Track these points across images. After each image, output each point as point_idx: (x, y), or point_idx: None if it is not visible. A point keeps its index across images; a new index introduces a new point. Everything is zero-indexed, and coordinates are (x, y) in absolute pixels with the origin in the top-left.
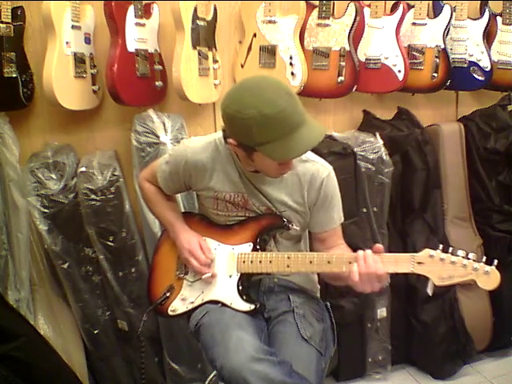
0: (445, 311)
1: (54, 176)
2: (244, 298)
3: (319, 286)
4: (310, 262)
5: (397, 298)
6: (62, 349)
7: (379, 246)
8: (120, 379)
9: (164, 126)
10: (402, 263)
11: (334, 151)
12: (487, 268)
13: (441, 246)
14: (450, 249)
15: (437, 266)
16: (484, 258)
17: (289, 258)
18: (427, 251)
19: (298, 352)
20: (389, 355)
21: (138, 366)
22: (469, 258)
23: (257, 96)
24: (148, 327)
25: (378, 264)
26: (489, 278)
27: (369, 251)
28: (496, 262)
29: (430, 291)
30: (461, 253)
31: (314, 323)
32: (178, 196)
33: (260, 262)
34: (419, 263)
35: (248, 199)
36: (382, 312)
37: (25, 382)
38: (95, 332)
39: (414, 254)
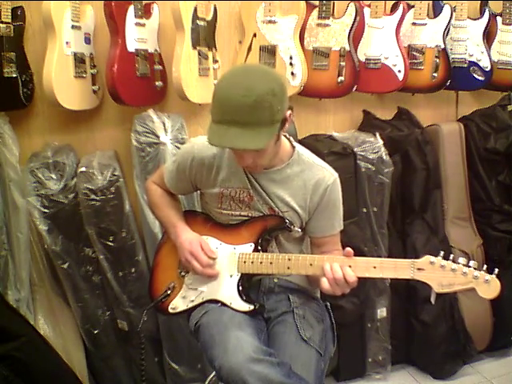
0: (445, 311)
1: (54, 176)
2: (244, 298)
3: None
4: (311, 265)
5: (397, 298)
6: (62, 349)
7: (349, 249)
8: (120, 379)
9: (164, 125)
10: (401, 269)
11: (334, 151)
12: (487, 277)
13: (442, 253)
14: (451, 256)
15: (437, 273)
16: (485, 267)
17: (289, 259)
18: (428, 258)
19: (298, 353)
20: (389, 355)
21: (138, 366)
22: (469, 266)
23: (234, 76)
24: (148, 327)
25: (346, 271)
26: (489, 286)
27: (338, 259)
28: (497, 270)
29: (432, 300)
30: (462, 260)
31: (314, 324)
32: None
33: (261, 262)
34: (419, 269)
35: (253, 196)
36: (382, 312)
37: (25, 382)
38: (95, 332)
39: (415, 260)
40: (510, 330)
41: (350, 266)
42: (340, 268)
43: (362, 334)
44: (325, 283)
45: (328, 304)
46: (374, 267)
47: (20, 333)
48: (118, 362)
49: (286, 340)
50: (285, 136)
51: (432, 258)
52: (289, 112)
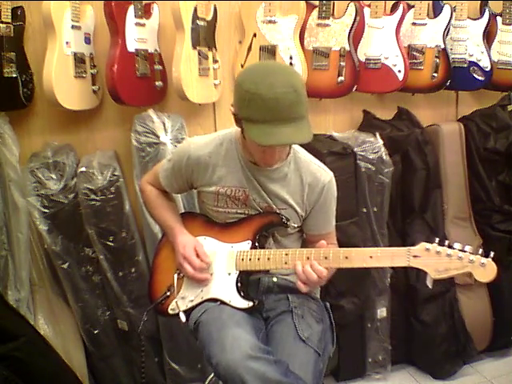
0: (445, 311)
1: (54, 176)
2: (242, 295)
3: (319, 287)
4: (307, 258)
5: (397, 298)
6: (62, 349)
7: (323, 242)
8: (120, 379)
9: (164, 126)
10: (398, 257)
11: (334, 151)
12: (483, 260)
13: (437, 240)
14: (446, 242)
15: (433, 259)
16: (480, 251)
17: (286, 254)
18: (423, 245)
19: (295, 352)
20: (389, 355)
21: (138, 366)
22: (465, 251)
23: (263, 75)
24: (148, 327)
25: (311, 275)
26: (485, 270)
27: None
28: (492, 254)
29: (429, 284)
30: (457, 245)
31: (313, 324)
32: (178, 196)
33: (258, 259)
34: (415, 256)
35: (249, 194)
36: (381, 312)
37: (25, 382)
38: (95, 332)
39: (411, 248)
40: (510, 330)
41: (346, 258)
42: (310, 268)
43: (362, 334)
44: (300, 285)
45: (328, 304)
46: (371, 257)
47: (20, 333)
48: (117, 362)
49: (284, 339)
50: None
51: (427, 245)
52: None
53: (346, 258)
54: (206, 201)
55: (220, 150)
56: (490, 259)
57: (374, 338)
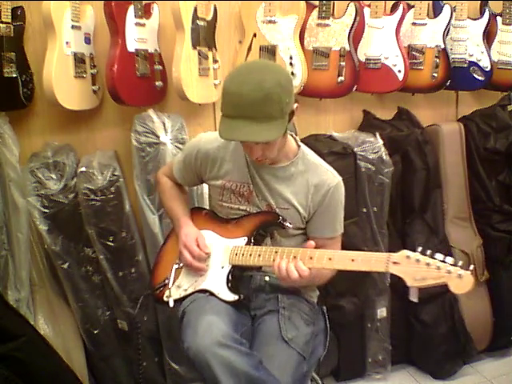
0: (445, 311)
1: (54, 176)
2: (230, 287)
3: (318, 292)
4: (294, 257)
5: (397, 298)
6: (62, 349)
7: (311, 242)
8: (120, 379)
9: (164, 125)
10: (377, 262)
11: (334, 151)
12: (461, 272)
13: (420, 249)
14: (428, 251)
15: (412, 267)
16: (460, 263)
17: (276, 252)
18: (404, 252)
19: (276, 352)
20: (389, 355)
21: (136, 362)
22: (445, 262)
23: (239, 74)
24: (148, 327)
25: (292, 273)
26: (461, 281)
27: (291, 264)
28: (472, 267)
29: (412, 298)
30: (438, 256)
31: (301, 326)
32: None
33: (250, 255)
34: (395, 263)
35: (253, 191)
36: (381, 312)
37: (25, 382)
38: (95, 332)
39: (391, 254)
40: (510, 330)
41: (329, 259)
42: (294, 266)
43: (362, 334)
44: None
45: (324, 308)
46: (353, 260)
47: (20, 333)
48: (117, 362)
49: (268, 339)
50: (291, 135)
51: (408, 253)
52: (295, 105)
53: (330, 259)
54: (212, 194)
55: (228, 145)
56: (468, 272)
57: (374, 338)
